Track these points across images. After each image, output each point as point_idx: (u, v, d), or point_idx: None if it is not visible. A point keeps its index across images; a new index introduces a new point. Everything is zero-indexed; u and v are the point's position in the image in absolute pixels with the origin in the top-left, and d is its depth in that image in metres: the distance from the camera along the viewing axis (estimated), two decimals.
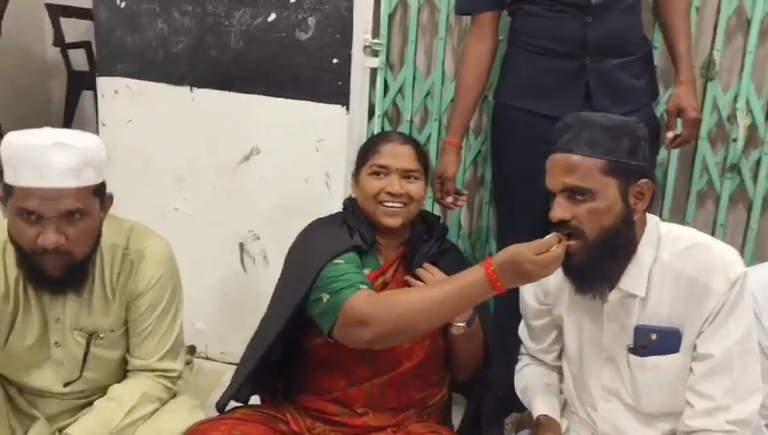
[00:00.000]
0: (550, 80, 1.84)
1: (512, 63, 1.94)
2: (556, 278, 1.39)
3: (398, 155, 1.57)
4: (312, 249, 1.53)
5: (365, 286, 1.42)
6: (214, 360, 2.47)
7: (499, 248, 2.10)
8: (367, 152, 1.62)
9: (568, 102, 1.79)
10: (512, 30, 1.95)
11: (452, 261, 1.59)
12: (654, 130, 1.89)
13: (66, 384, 1.53)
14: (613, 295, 1.34)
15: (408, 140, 1.63)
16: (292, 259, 1.60)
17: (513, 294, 1.75)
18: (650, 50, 1.94)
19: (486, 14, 1.92)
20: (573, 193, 1.28)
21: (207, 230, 2.42)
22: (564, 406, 1.51)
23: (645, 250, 1.33)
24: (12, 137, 1.37)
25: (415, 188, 1.57)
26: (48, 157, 1.33)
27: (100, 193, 1.43)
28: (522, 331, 1.58)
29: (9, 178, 1.36)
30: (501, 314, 1.88)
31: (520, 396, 1.53)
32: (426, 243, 1.59)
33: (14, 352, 1.51)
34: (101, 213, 1.46)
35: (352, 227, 1.57)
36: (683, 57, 1.87)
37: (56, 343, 1.52)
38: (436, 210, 2.22)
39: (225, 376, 2.33)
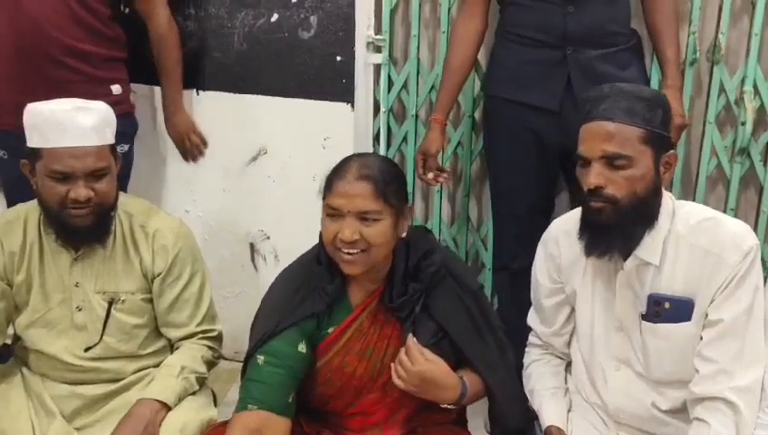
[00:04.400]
0: (532, 70, 1.86)
1: (498, 54, 1.97)
2: (569, 253, 1.44)
3: (349, 195, 1.34)
4: (260, 320, 1.47)
5: (254, 406, 1.34)
6: (228, 359, 2.48)
7: (495, 232, 2.11)
8: (327, 185, 1.40)
9: (550, 92, 1.82)
10: (499, 21, 1.97)
11: (444, 298, 1.44)
12: None
13: (87, 349, 1.59)
14: (629, 263, 1.37)
15: (367, 174, 1.35)
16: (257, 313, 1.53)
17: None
18: (639, 42, 1.93)
19: None
20: (612, 160, 1.30)
21: (218, 231, 2.44)
22: (570, 405, 1.52)
23: (662, 222, 1.36)
24: (35, 105, 1.50)
25: (372, 232, 1.33)
26: (73, 118, 1.47)
27: (114, 151, 1.57)
28: (532, 318, 1.58)
29: (37, 142, 1.49)
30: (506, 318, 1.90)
31: (528, 396, 1.54)
32: (412, 283, 1.41)
33: (37, 317, 1.60)
34: (116, 169, 1.58)
35: (311, 280, 1.43)
36: (670, 61, 1.87)
37: (78, 308, 1.59)
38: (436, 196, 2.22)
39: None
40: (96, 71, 2.01)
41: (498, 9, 1.97)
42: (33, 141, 1.50)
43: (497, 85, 1.96)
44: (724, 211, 2.11)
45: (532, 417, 1.51)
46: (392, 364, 1.38)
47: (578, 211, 1.42)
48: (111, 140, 1.55)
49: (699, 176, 2.11)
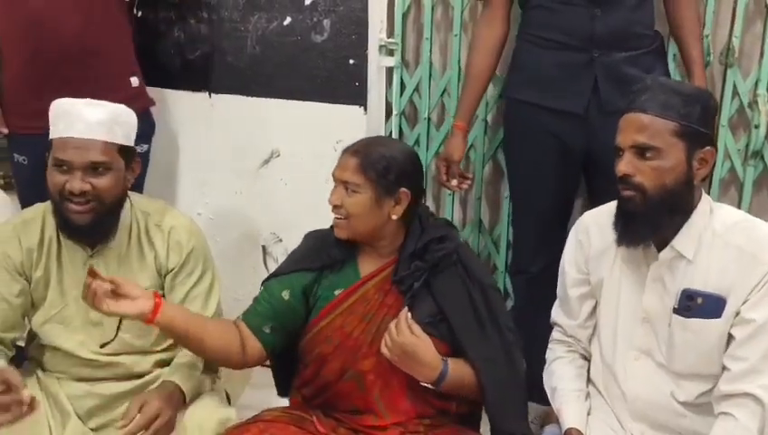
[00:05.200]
0: (557, 73, 1.85)
1: (520, 57, 1.96)
2: (599, 244, 1.47)
3: (341, 166, 1.52)
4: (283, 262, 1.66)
5: (241, 319, 1.57)
6: None
7: (514, 236, 2.13)
8: None
9: (575, 95, 1.82)
10: (521, 23, 1.96)
11: (447, 282, 1.53)
12: None
13: (102, 345, 1.61)
14: (664, 254, 1.39)
15: (358, 150, 1.52)
16: None
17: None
18: (662, 44, 1.94)
19: None
20: (641, 150, 1.34)
21: (230, 234, 2.45)
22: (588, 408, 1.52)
23: (699, 217, 1.39)
24: (57, 100, 1.54)
25: (351, 201, 1.49)
26: (80, 111, 1.50)
27: (126, 154, 1.57)
28: (556, 312, 1.59)
29: (51, 134, 1.53)
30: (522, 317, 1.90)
31: (548, 393, 1.54)
32: (417, 261, 1.52)
33: (54, 313, 1.61)
34: (128, 174, 1.59)
35: (323, 243, 1.59)
36: (696, 62, 1.88)
37: None
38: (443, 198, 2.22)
39: (253, 378, 2.37)
40: (113, 65, 2.02)
41: (519, 12, 1.97)
42: (51, 134, 1.53)
43: (519, 88, 1.95)
44: None
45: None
46: (386, 333, 1.46)
47: (610, 205, 1.46)
48: (122, 141, 1.55)
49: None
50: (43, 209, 1.63)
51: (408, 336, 1.41)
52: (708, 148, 1.38)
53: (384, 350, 1.44)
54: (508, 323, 1.55)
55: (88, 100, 1.54)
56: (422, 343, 1.42)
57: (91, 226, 1.52)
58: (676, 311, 1.39)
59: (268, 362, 1.69)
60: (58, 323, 1.62)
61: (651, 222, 1.37)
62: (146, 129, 2.13)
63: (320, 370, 1.55)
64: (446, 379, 1.45)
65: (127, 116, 1.58)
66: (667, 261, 1.40)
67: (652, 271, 1.42)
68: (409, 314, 1.44)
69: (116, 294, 1.37)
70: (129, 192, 1.67)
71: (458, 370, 1.47)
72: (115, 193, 1.55)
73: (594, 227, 1.51)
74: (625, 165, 1.36)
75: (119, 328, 1.61)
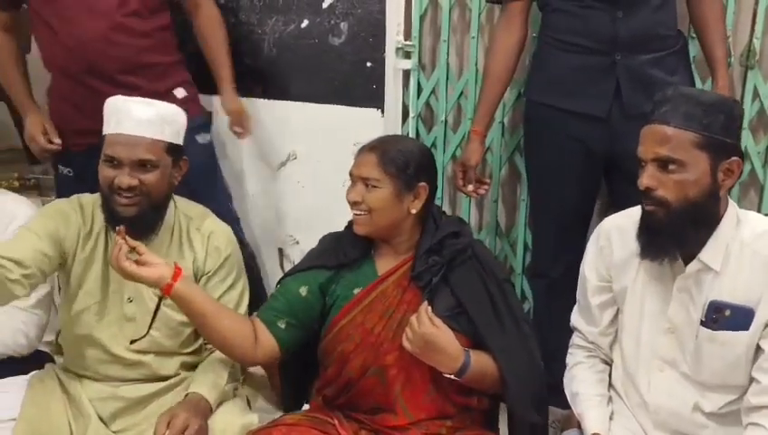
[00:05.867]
0: (579, 76, 1.83)
1: (541, 60, 1.94)
2: (621, 251, 1.45)
3: (359, 162, 1.56)
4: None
5: (256, 316, 1.60)
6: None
7: (534, 239, 2.13)
8: None
9: (598, 99, 1.80)
10: (542, 26, 1.95)
11: (464, 275, 1.55)
12: None
13: (133, 341, 1.62)
14: (691, 267, 1.37)
15: (376, 146, 1.57)
16: None
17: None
18: (685, 44, 1.91)
19: (516, 3, 1.92)
20: (664, 163, 1.31)
21: (247, 236, 2.45)
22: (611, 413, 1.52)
23: (725, 228, 1.36)
24: (111, 97, 1.61)
25: (372, 197, 1.52)
26: (130, 108, 1.56)
27: (174, 152, 1.60)
28: (576, 319, 1.57)
29: (104, 130, 1.59)
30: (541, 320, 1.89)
31: (569, 398, 1.53)
32: (433, 256, 1.54)
33: (92, 303, 1.64)
34: (175, 171, 1.62)
35: (339, 243, 1.61)
36: (720, 62, 1.85)
37: (129, 299, 1.63)
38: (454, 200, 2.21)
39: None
40: (155, 82, 2.05)
41: (539, 14, 1.95)
42: (104, 130, 1.58)
43: (540, 91, 1.94)
44: None
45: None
46: (407, 327, 1.46)
47: (633, 210, 1.44)
48: (170, 139, 1.58)
49: None
50: (93, 201, 1.67)
51: (428, 327, 1.42)
52: (734, 158, 1.32)
53: (405, 343, 1.45)
54: (524, 316, 1.58)
55: (140, 98, 1.60)
56: (443, 333, 1.43)
57: (135, 218, 1.55)
58: (703, 323, 1.37)
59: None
60: (94, 313, 1.64)
61: (675, 236, 1.34)
62: (205, 121, 2.19)
63: (342, 368, 1.56)
64: (468, 369, 1.46)
65: (177, 115, 1.62)
66: (694, 273, 1.37)
67: (678, 282, 1.39)
68: (429, 308, 1.45)
69: (139, 263, 1.45)
70: (174, 196, 1.69)
71: (480, 361, 1.48)
72: (161, 189, 1.59)
73: (616, 233, 1.48)
74: (648, 178, 1.33)
75: (151, 325, 1.61)
